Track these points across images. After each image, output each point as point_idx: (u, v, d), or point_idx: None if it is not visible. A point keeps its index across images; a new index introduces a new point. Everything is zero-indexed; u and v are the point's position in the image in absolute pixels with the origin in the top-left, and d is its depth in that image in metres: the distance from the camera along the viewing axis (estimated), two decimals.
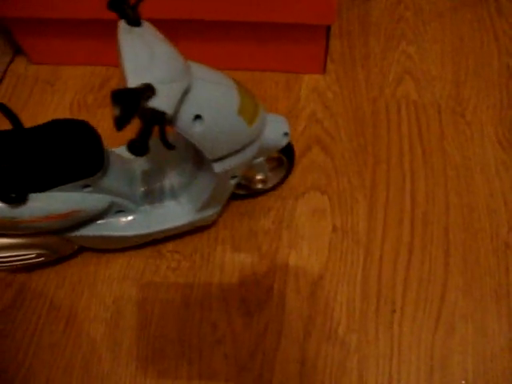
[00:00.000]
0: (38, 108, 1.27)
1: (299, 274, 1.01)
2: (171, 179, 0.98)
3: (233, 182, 0.93)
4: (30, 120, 1.23)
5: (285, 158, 1.02)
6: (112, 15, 1.16)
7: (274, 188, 1.10)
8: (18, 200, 0.81)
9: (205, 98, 0.75)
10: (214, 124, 0.77)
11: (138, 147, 0.67)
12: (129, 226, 0.97)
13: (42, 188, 0.83)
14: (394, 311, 0.97)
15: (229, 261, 1.03)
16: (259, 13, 1.08)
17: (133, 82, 0.68)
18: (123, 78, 0.72)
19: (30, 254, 0.94)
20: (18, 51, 1.37)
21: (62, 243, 0.96)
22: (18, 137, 0.82)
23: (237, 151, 0.85)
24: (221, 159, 0.84)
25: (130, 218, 0.97)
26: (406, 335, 0.94)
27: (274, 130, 0.91)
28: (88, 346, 0.96)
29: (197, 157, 0.92)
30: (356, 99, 1.22)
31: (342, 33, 1.34)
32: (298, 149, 1.14)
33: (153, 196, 0.98)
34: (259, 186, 1.05)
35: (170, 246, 1.05)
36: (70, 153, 0.82)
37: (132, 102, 0.64)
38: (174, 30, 1.19)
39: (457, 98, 1.23)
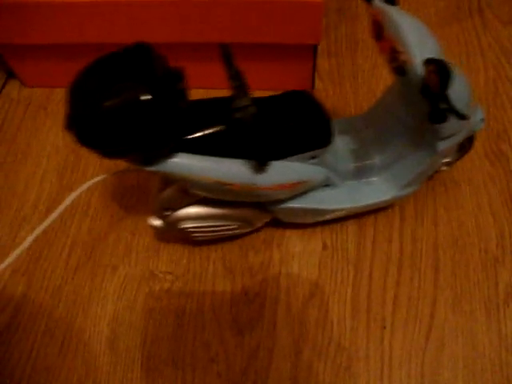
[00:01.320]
0: (31, 132, 1.29)
1: (290, 292, 1.02)
2: (380, 156, 1.01)
3: (442, 160, 1.02)
4: (23, 144, 1.27)
5: (467, 142, 1.06)
6: (101, 39, 1.18)
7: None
8: (267, 162, 0.85)
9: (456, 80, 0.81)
10: (459, 101, 0.82)
11: (439, 115, 0.79)
12: (333, 200, 1.00)
13: (281, 156, 0.87)
14: (384, 328, 0.98)
15: (220, 280, 1.04)
16: (247, 34, 1.10)
17: (420, 54, 0.78)
18: (391, 49, 0.82)
19: (230, 225, 0.99)
20: (10, 75, 1.39)
21: (259, 216, 1.00)
22: (267, 105, 0.87)
23: (459, 131, 0.91)
24: (446, 138, 0.90)
25: (334, 191, 1.01)
26: (397, 352, 0.95)
27: (476, 115, 0.97)
28: (83, 369, 0.97)
29: (411, 133, 0.96)
30: (345, 116, 1.24)
31: (330, 51, 1.36)
32: None
33: (362, 172, 1.02)
34: (444, 168, 1.11)
35: (163, 266, 1.07)
36: (308, 123, 0.89)
37: (449, 70, 0.74)
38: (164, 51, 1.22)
39: None
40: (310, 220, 1.05)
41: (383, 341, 0.96)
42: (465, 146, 1.08)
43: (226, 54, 0.81)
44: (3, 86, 1.38)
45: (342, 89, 1.29)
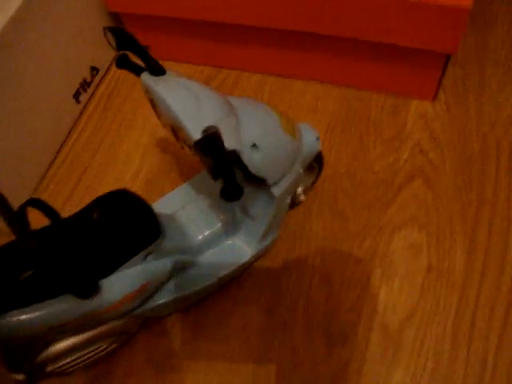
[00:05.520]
0: (137, 104, 1.31)
1: (388, 310, 0.97)
2: (224, 217, 0.94)
3: (288, 201, 0.92)
4: (129, 114, 1.27)
5: (316, 164, 1.00)
6: (220, 18, 1.17)
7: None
8: (93, 290, 0.74)
9: (254, 125, 0.75)
10: (269, 147, 0.77)
11: (232, 192, 0.66)
12: (197, 279, 0.92)
13: (109, 271, 0.77)
14: (485, 363, 0.92)
15: (317, 286, 1.01)
16: (382, 33, 1.05)
17: (195, 127, 0.66)
18: (171, 126, 0.73)
19: (104, 344, 0.88)
20: None
21: (130, 322, 0.89)
22: (71, 227, 0.78)
23: (289, 169, 0.84)
24: (278, 181, 0.83)
25: (194, 270, 0.93)
26: None
27: (307, 137, 0.90)
28: None
29: (246, 187, 0.87)
30: (465, 132, 1.16)
31: (456, 60, 1.28)
32: (399, 179, 1.11)
33: (212, 240, 0.95)
34: (302, 197, 1.05)
35: None
36: (126, 228, 0.78)
37: (219, 146, 0.62)
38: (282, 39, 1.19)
39: None
40: (183, 306, 0.96)
41: (483, 378, 0.91)
42: (314, 168, 1.01)
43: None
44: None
45: (465, 102, 1.21)
